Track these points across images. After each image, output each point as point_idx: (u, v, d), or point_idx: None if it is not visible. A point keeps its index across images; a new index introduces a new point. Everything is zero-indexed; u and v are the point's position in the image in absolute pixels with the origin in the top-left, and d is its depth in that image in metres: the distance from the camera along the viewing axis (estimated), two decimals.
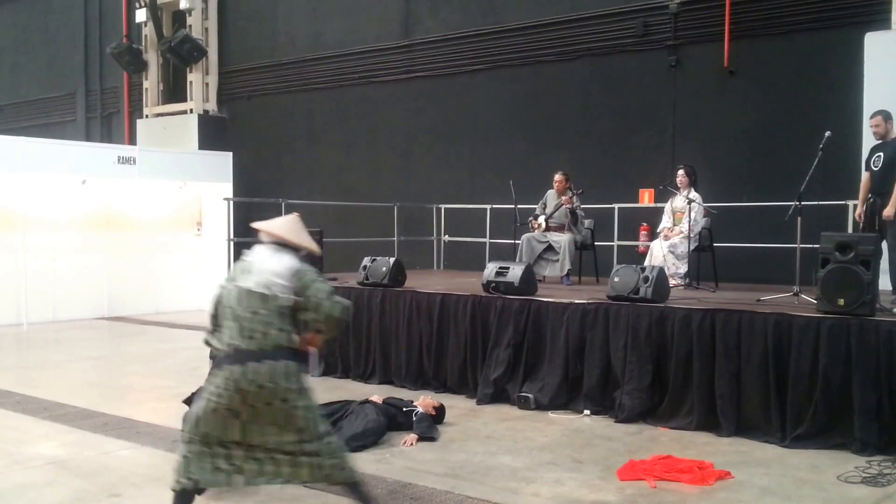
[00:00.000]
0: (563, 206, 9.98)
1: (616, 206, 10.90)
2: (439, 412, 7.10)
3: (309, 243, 4.61)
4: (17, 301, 13.42)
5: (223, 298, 4.40)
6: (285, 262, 4.39)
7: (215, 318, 4.45)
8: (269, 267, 4.37)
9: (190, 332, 12.84)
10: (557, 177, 10.24)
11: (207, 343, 4.51)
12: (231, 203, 11.42)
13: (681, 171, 9.60)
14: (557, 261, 9.93)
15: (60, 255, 14.05)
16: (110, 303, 14.70)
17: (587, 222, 10.52)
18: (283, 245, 4.50)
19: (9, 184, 13.37)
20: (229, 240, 11.34)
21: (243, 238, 13.85)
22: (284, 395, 4.27)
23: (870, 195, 7.87)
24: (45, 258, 13.79)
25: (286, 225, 4.60)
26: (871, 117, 7.93)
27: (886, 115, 7.78)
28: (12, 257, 13.43)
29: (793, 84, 11.05)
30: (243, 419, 4.28)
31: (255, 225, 4.60)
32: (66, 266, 14.09)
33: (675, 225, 9.63)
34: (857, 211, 8.09)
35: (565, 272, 9.88)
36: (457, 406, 7.70)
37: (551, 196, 10.36)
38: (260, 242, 4.55)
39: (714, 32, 11.51)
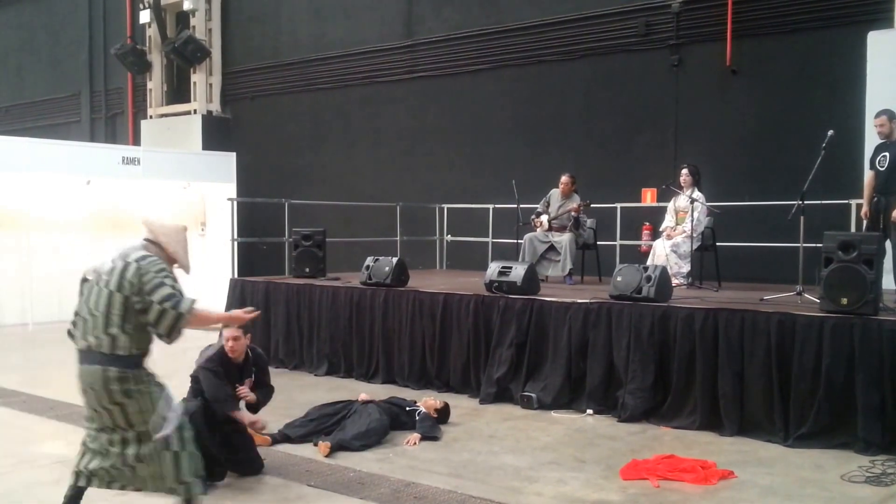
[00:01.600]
0: (570, 213, 9.99)
1: (618, 205, 10.90)
2: (443, 413, 7.12)
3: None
4: (23, 301, 13.46)
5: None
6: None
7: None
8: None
9: (194, 332, 12.82)
10: (564, 178, 10.25)
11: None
12: (235, 203, 11.42)
13: (684, 171, 9.61)
14: (559, 261, 9.94)
15: (65, 254, 14.03)
16: None
17: (589, 222, 10.55)
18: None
19: (14, 184, 13.40)
20: (233, 240, 11.35)
21: (247, 238, 13.97)
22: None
23: (875, 194, 7.87)
24: (50, 258, 13.79)
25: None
26: (876, 117, 7.93)
27: (891, 115, 7.78)
28: (18, 257, 13.47)
29: (795, 83, 11.04)
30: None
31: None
32: (70, 266, 14.04)
33: (677, 224, 9.64)
34: (863, 210, 8.09)
35: (567, 272, 9.89)
36: (460, 405, 7.71)
37: (555, 195, 10.37)
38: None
39: (716, 32, 11.50)
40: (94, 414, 4.35)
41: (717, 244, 9.73)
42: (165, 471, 4.31)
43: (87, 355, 4.26)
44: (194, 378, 5.78)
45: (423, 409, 6.95)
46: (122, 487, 4.47)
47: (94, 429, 4.39)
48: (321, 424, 6.60)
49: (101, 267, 4.33)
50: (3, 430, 6.95)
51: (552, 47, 13.10)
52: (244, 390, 5.73)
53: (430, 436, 6.65)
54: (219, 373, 5.64)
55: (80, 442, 4.46)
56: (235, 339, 5.72)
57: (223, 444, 5.56)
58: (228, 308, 10.60)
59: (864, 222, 8.09)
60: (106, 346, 4.21)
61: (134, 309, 4.23)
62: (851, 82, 9.98)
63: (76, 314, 4.38)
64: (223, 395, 5.59)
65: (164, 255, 4.48)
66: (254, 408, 5.88)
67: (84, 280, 4.39)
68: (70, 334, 4.43)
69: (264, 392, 5.94)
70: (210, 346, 5.95)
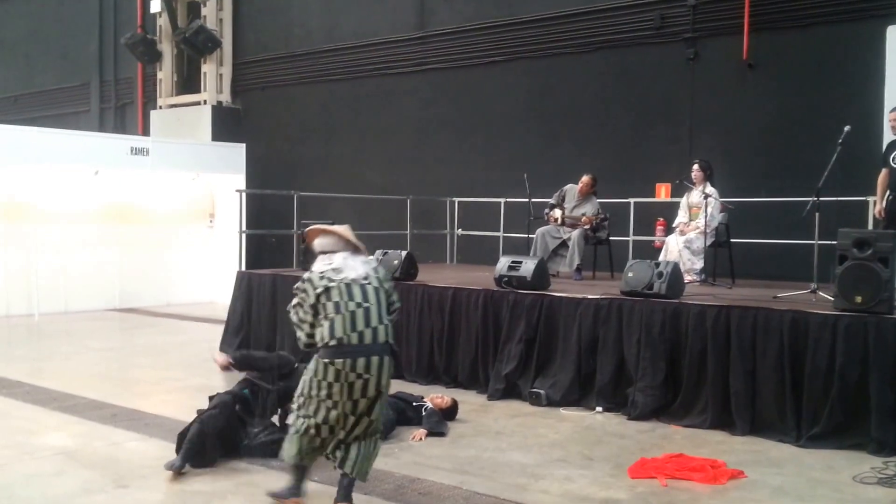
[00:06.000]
0: (581, 223, 9.88)
1: (632, 200, 10.79)
2: (451, 411, 7.04)
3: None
4: (29, 292, 13.44)
5: (333, 294, 4.56)
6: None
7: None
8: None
9: (201, 325, 12.85)
10: (585, 178, 10.12)
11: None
12: (243, 195, 11.36)
13: (695, 166, 9.49)
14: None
15: (72, 245, 14.06)
16: (122, 294, 14.70)
17: (604, 234, 10.40)
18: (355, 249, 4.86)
19: (22, 174, 13.38)
20: (241, 232, 11.29)
21: (255, 230, 13.95)
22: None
23: (889, 192, 7.75)
24: (57, 249, 13.81)
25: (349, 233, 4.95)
26: (891, 111, 7.81)
27: None
28: (25, 248, 13.44)
29: (813, 78, 10.90)
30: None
31: (329, 228, 4.94)
32: (78, 257, 14.11)
33: (690, 220, 9.53)
34: (877, 208, 7.98)
35: (575, 267, 9.78)
36: (468, 401, 7.63)
37: (571, 192, 10.26)
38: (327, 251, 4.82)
39: (733, 25, 11.36)
40: (346, 405, 4.56)
41: (732, 241, 9.61)
42: (371, 455, 4.75)
43: (367, 347, 4.52)
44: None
45: (430, 405, 6.87)
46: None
47: (330, 423, 4.62)
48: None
49: (344, 270, 4.68)
50: (6, 421, 6.90)
51: (565, 40, 12.98)
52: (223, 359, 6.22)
53: (436, 431, 6.59)
54: (273, 366, 6.25)
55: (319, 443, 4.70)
56: None
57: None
58: (234, 302, 10.57)
59: (880, 221, 7.98)
60: (381, 335, 4.58)
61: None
62: (870, 77, 9.84)
63: (339, 313, 4.54)
64: (247, 357, 6.34)
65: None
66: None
67: (326, 289, 4.60)
68: (336, 335, 4.53)
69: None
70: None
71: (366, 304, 4.56)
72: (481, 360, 8.28)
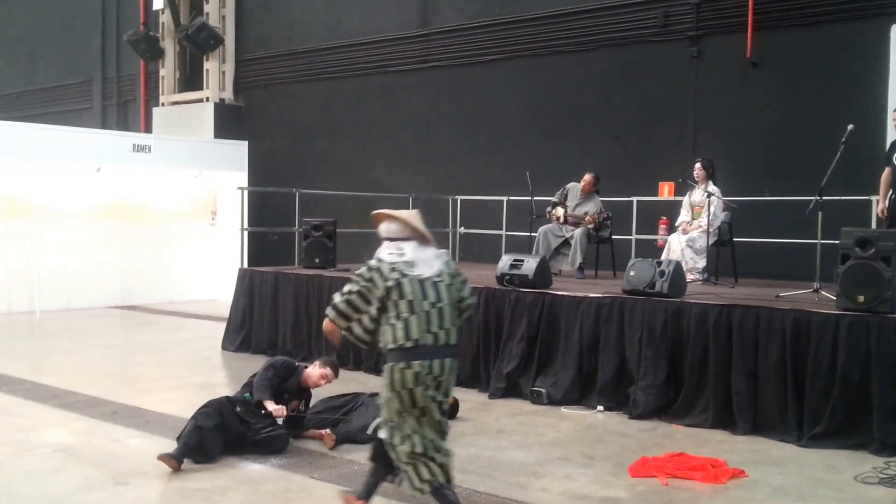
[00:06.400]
0: (584, 222, 9.85)
1: (635, 199, 10.75)
2: (452, 408, 7.01)
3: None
4: (31, 288, 13.45)
5: (406, 291, 4.29)
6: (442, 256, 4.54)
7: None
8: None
9: (203, 322, 12.85)
10: (588, 177, 10.09)
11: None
12: (245, 192, 11.35)
13: (697, 165, 9.46)
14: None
15: (74, 242, 14.05)
16: (124, 291, 14.70)
17: (607, 232, 10.36)
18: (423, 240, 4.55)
19: (24, 171, 13.38)
20: (242, 229, 11.28)
21: (257, 227, 13.91)
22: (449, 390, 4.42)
23: (892, 191, 7.73)
24: (59, 246, 13.81)
25: (418, 219, 4.61)
26: (894, 110, 7.79)
27: None
28: (26, 245, 13.44)
29: (816, 76, 10.86)
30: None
31: (395, 213, 4.58)
32: (79, 254, 14.10)
33: (693, 219, 9.50)
34: (880, 207, 7.95)
35: (577, 265, 9.76)
36: (469, 400, 7.61)
37: (574, 190, 10.23)
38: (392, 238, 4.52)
39: (737, 23, 11.31)
40: (433, 409, 4.34)
41: (735, 240, 9.58)
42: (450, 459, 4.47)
43: (440, 349, 4.31)
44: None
45: None
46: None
47: (428, 436, 4.35)
48: (328, 417, 6.53)
49: (417, 265, 4.40)
50: (6, 418, 6.90)
51: (569, 38, 12.95)
52: (279, 410, 6.05)
53: None
54: (279, 376, 6.16)
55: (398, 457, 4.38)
56: (328, 380, 6.33)
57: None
58: (236, 299, 10.56)
59: (883, 220, 7.95)
60: (453, 337, 4.37)
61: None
62: (873, 76, 9.81)
63: (413, 313, 4.27)
64: (264, 384, 6.05)
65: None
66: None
67: (398, 283, 4.30)
68: (412, 336, 4.27)
69: (299, 422, 6.34)
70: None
71: (439, 305, 4.31)
72: (483, 358, 8.27)
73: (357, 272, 4.42)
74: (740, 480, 5.49)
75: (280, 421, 6.05)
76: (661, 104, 12.10)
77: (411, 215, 4.60)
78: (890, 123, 8.10)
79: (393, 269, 4.32)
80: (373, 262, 4.40)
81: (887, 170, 7.85)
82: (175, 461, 5.48)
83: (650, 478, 5.48)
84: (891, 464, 5.78)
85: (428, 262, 4.42)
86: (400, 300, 4.26)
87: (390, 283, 4.28)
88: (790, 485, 5.44)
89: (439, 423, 4.36)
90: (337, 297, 4.42)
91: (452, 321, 4.37)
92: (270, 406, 5.96)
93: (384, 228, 4.57)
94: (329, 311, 4.44)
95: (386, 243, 4.53)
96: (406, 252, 4.40)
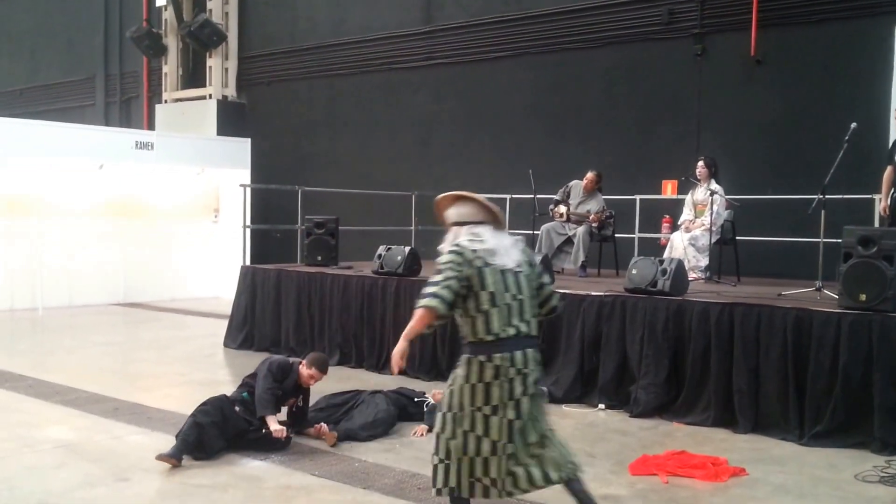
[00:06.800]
0: (587, 220, 9.84)
1: (637, 197, 10.74)
2: None
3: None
4: (34, 286, 13.46)
5: (487, 282, 4.09)
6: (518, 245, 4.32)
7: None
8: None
9: (205, 320, 12.85)
10: (590, 175, 10.08)
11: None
12: (247, 190, 11.34)
13: (700, 163, 9.44)
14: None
15: (77, 240, 14.06)
16: (126, 289, 14.72)
17: (610, 230, 10.35)
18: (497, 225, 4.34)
19: (26, 168, 13.38)
20: (245, 227, 11.28)
21: (260, 225, 13.91)
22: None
23: (894, 190, 7.71)
24: (61, 243, 13.82)
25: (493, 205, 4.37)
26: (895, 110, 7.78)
27: None
28: (29, 242, 13.45)
29: (821, 74, 10.83)
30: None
31: (467, 194, 4.36)
32: (82, 251, 14.11)
33: (696, 217, 9.48)
34: (882, 206, 7.94)
35: (579, 263, 9.75)
36: None
37: (577, 188, 10.22)
38: (467, 222, 4.28)
39: (741, 21, 11.29)
40: (509, 408, 4.10)
41: (737, 238, 9.56)
42: (562, 449, 4.27)
43: (522, 339, 4.12)
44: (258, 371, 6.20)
45: (432, 400, 6.86)
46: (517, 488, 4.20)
47: (492, 437, 4.11)
48: (329, 414, 6.54)
49: (498, 253, 4.17)
50: (8, 415, 6.90)
51: (573, 35, 12.93)
52: (280, 432, 5.96)
53: None
54: (276, 381, 6.08)
55: (453, 454, 4.19)
56: (317, 379, 6.25)
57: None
58: (238, 296, 10.56)
59: (885, 219, 7.93)
60: (533, 328, 4.20)
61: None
62: (878, 74, 9.79)
63: (495, 306, 4.08)
64: (268, 398, 5.98)
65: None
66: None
67: (480, 271, 4.10)
68: (493, 330, 4.09)
69: (298, 418, 6.33)
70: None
71: (520, 297, 4.12)
72: None
73: (442, 260, 4.15)
74: (741, 479, 5.48)
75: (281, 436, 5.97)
76: (665, 102, 12.08)
77: (483, 197, 4.35)
78: (892, 122, 8.07)
79: (476, 256, 4.11)
80: (453, 247, 4.16)
81: (889, 168, 7.83)
82: (174, 459, 5.48)
83: (650, 475, 5.47)
84: (892, 462, 5.77)
85: (508, 250, 4.21)
86: (481, 291, 4.07)
87: (473, 271, 4.08)
88: (790, 483, 5.43)
89: (510, 424, 4.08)
90: (432, 289, 4.06)
91: (532, 313, 4.20)
92: (273, 426, 5.88)
93: (455, 212, 4.33)
94: (430, 301, 4.03)
95: (456, 229, 4.29)
96: (485, 238, 4.19)
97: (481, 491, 4.16)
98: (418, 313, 4.08)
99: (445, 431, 4.17)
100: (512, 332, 4.08)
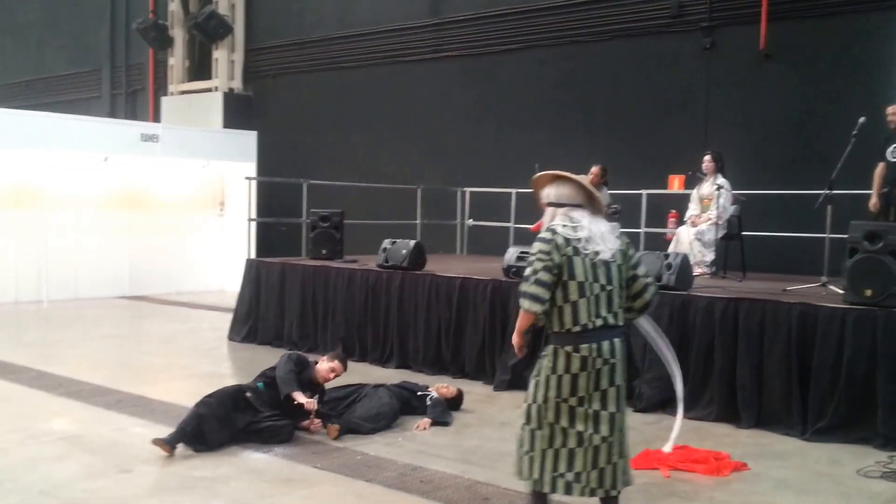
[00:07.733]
0: None
1: (644, 192, 10.69)
2: (457, 400, 7.02)
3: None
4: (39, 278, 13.50)
5: (577, 271, 3.97)
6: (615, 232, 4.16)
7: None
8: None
9: (210, 313, 12.85)
10: (594, 169, 10.05)
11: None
12: (253, 183, 11.33)
13: (707, 157, 9.39)
14: None
15: (82, 232, 14.08)
16: (131, 282, 14.74)
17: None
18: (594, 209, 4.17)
19: (32, 160, 13.40)
20: (249, 220, 11.27)
21: (265, 218, 13.92)
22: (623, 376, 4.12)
23: (886, 186, 7.70)
24: (66, 235, 13.84)
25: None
26: (890, 106, 7.76)
27: None
28: (34, 234, 13.48)
29: (830, 68, 10.77)
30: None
31: (566, 174, 4.19)
32: (87, 244, 14.13)
33: (702, 212, 9.43)
34: (872, 202, 7.94)
35: None
36: (473, 392, 7.61)
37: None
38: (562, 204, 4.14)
39: (750, 14, 11.23)
40: (594, 399, 4.01)
41: (744, 233, 9.52)
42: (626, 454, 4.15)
43: (609, 329, 4.02)
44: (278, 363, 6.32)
45: (435, 394, 6.86)
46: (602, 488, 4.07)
47: (577, 428, 4.00)
48: (332, 408, 6.54)
49: (595, 241, 4.03)
50: (12, 406, 6.94)
51: (581, 28, 12.89)
52: (311, 403, 6.12)
53: (440, 421, 6.58)
54: (297, 368, 6.25)
55: (540, 444, 4.06)
56: (338, 374, 6.51)
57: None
58: (243, 289, 10.56)
59: (875, 215, 7.92)
60: (621, 319, 4.10)
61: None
62: (887, 68, 9.72)
63: (583, 297, 3.97)
64: (291, 378, 6.11)
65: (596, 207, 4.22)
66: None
67: (569, 259, 3.97)
68: (580, 321, 3.99)
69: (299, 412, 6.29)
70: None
71: (609, 288, 4.00)
72: (488, 350, 8.24)
73: (533, 250, 4.01)
74: (742, 473, 5.47)
75: (312, 413, 6.09)
76: (673, 96, 12.04)
77: (583, 178, 4.18)
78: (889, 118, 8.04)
79: (567, 243, 3.98)
80: (546, 235, 4.02)
81: (881, 164, 7.83)
82: (168, 446, 5.51)
83: (652, 470, 5.45)
84: (894, 458, 5.75)
85: (605, 238, 4.06)
86: (570, 281, 3.95)
87: (562, 259, 3.95)
88: (792, 478, 5.41)
89: (597, 416, 3.98)
90: (526, 286, 3.98)
91: (620, 303, 4.07)
92: (301, 398, 5.96)
93: (552, 193, 4.18)
94: (529, 305, 3.95)
95: (552, 209, 4.16)
96: (582, 224, 4.05)
97: (563, 487, 4.02)
98: (521, 314, 4.04)
99: (531, 423, 4.07)
100: (599, 322, 3.98)
